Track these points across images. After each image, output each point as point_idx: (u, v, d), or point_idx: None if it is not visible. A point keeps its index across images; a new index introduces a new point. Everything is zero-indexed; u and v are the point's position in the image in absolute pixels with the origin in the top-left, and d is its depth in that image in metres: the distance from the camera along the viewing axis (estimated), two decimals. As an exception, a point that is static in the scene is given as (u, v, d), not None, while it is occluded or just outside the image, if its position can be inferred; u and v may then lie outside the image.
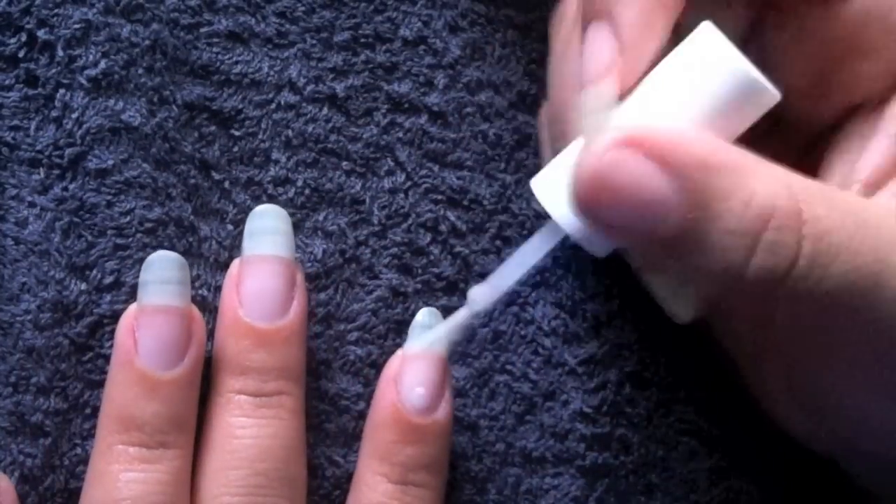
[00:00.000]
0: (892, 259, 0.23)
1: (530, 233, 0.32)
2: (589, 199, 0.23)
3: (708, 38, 0.24)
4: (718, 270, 0.23)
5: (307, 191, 0.31)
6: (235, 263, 0.29)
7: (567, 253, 0.33)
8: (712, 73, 0.23)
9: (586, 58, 0.24)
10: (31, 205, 0.29)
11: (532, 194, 0.31)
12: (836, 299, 0.23)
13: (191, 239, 0.30)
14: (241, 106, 0.31)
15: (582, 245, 0.26)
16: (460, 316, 0.28)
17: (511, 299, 0.32)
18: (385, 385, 0.29)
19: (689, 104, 0.24)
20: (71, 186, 0.29)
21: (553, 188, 0.25)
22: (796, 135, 0.29)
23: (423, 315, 0.30)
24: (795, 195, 0.23)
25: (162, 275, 0.28)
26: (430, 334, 0.29)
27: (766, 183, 0.23)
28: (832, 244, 0.23)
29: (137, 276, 0.29)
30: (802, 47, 0.26)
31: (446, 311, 0.32)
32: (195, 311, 0.28)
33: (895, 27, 0.25)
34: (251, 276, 0.28)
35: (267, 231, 0.29)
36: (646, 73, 0.24)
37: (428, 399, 0.29)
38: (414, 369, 0.29)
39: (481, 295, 0.28)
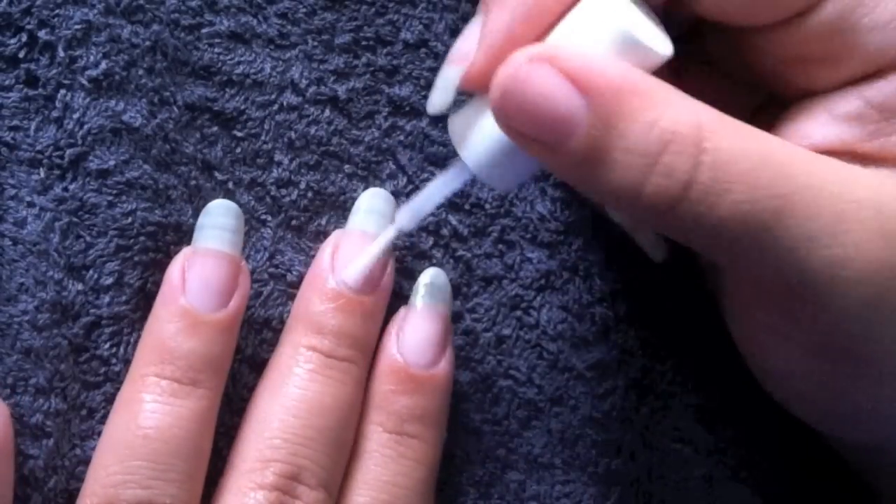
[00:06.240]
0: (795, 197, 0.23)
1: (534, 236, 0.32)
2: (503, 107, 0.24)
3: None
4: (618, 189, 0.23)
5: (310, 193, 0.31)
6: (337, 233, 0.30)
7: (574, 256, 0.32)
8: (601, 29, 0.24)
9: (456, 41, 0.26)
10: (30, 205, 0.28)
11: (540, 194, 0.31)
12: (729, 230, 0.23)
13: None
14: (243, 107, 0.31)
15: (486, 182, 0.26)
16: (388, 237, 0.29)
17: (514, 303, 0.32)
18: (385, 335, 0.30)
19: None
20: (71, 187, 0.29)
21: (464, 128, 0.26)
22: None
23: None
24: (701, 124, 0.23)
25: (218, 221, 0.29)
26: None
27: (675, 110, 0.23)
28: (729, 174, 0.23)
29: (138, 278, 0.29)
30: (752, 55, 0.27)
31: (452, 317, 0.31)
32: (244, 263, 0.29)
33: (856, 43, 0.25)
34: (352, 245, 0.30)
35: (374, 211, 0.30)
36: (553, 26, 0.25)
37: (428, 353, 0.29)
38: (416, 322, 0.30)
39: (405, 217, 0.28)
